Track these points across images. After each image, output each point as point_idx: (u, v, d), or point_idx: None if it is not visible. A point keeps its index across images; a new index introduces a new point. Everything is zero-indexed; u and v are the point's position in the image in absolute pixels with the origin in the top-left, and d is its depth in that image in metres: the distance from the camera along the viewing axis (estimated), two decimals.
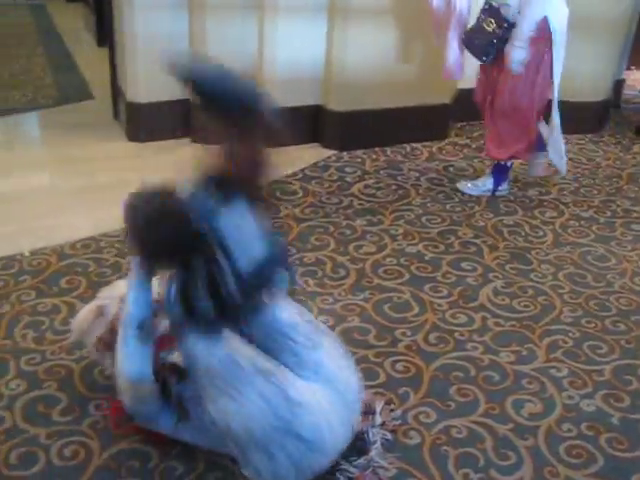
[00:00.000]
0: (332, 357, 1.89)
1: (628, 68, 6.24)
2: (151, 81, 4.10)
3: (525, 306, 2.81)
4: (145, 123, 4.23)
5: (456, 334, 2.59)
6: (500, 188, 3.79)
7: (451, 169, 4.13)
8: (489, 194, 3.78)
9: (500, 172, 3.78)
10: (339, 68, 4.12)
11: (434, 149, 4.42)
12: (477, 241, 3.30)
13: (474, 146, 4.50)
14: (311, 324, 1.93)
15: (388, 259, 3.09)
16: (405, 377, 2.35)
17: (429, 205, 3.64)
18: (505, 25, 3.34)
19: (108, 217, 3.29)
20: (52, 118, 4.79)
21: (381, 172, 4.04)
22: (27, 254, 2.98)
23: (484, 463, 2.04)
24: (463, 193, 3.78)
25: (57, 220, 3.31)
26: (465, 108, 4.71)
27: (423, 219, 3.48)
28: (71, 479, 1.92)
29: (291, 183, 3.76)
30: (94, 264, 2.93)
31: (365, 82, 4.16)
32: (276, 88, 4.11)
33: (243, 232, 1.78)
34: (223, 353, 1.76)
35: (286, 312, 1.87)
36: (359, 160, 4.17)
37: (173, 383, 1.94)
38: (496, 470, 2.02)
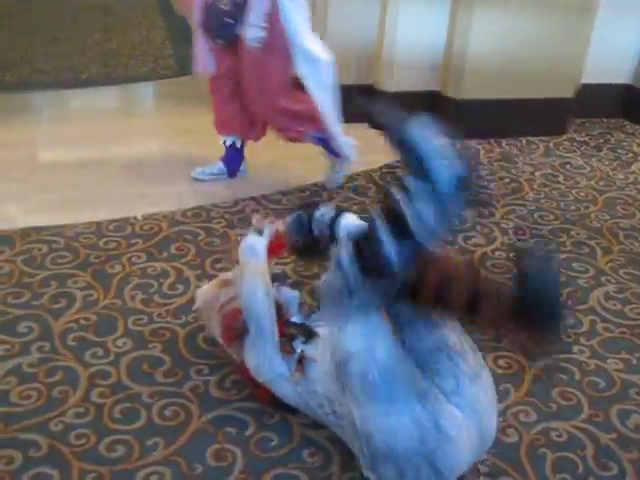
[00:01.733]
0: (486, 393, 1.81)
1: None
2: None
3: (638, 313, 2.68)
4: None
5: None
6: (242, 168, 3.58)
7: (567, 166, 3.99)
8: (225, 177, 3.55)
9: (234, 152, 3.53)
10: (459, 54, 4.04)
11: (551, 144, 4.28)
12: (591, 242, 3.18)
13: (593, 144, 4.33)
14: (475, 353, 1.83)
15: (497, 253, 3.02)
16: (507, 373, 2.30)
17: (542, 201, 3.53)
18: (239, 2, 3.08)
19: (218, 188, 3.38)
20: (169, 89, 4.91)
21: (495, 164, 3.95)
22: (140, 218, 3.07)
23: (583, 470, 1.97)
24: (195, 179, 3.52)
25: (170, 188, 3.40)
26: (587, 104, 4.58)
27: (535, 215, 3.38)
28: (170, 439, 1.97)
29: (402, 168, 3.71)
30: (203, 233, 2.98)
31: (484, 70, 4.07)
32: (394, 71, 4.11)
33: None
34: (384, 358, 1.70)
35: (454, 334, 1.79)
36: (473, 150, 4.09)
37: (298, 342, 2.00)
38: (595, 477, 1.96)
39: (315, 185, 3.45)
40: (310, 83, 3.25)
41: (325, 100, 3.29)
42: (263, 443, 1.98)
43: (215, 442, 1.97)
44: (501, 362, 2.35)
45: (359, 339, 1.72)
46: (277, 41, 3.15)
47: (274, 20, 3.10)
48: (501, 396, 2.18)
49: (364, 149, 3.89)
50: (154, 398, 2.11)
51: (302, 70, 3.22)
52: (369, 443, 1.72)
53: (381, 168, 3.70)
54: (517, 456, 1.99)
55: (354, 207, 3.26)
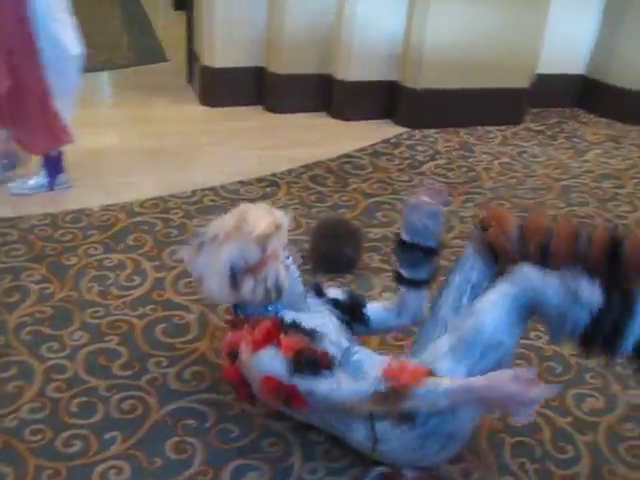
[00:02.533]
0: None
1: None
2: (227, 46, 4.11)
3: None
4: (219, 88, 4.25)
5: None
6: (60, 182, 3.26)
7: (524, 155, 4.03)
8: (46, 190, 3.22)
9: (52, 164, 3.23)
10: (417, 45, 4.05)
11: (508, 133, 4.32)
12: None
13: (549, 133, 4.38)
14: None
15: (455, 241, 3.03)
16: None
17: (500, 189, 3.56)
18: None
19: (176, 179, 3.34)
20: (126, 79, 4.85)
21: (453, 153, 3.97)
22: (96, 209, 3.03)
23: (541, 454, 1.99)
24: (12, 194, 3.20)
25: (127, 178, 3.36)
26: (543, 94, 4.63)
27: (493, 203, 3.40)
28: (128, 432, 1.94)
29: (361, 158, 3.72)
30: (161, 224, 2.95)
31: (442, 61, 4.09)
32: (353, 61, 4.10)
33: None
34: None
35: None
36: (431, 139, 4.11)
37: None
38: (553, 462, 1.98)
39: (274, 175, 3.43)
40: (53, 77, 2.95)
41: (65, 103, 3.07)
42: (223, 435, 1.96)
43: (175, 435, 1.95)
44: None
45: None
46: None
47: None
48: None
49: (322, 139, 3.91)
50: (111, 392, 2.08)
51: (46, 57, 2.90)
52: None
53: (339, 157, 3.70)
54: (477, 443, 2.00)
55: (312, 196, 3.26)
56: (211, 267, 1.87)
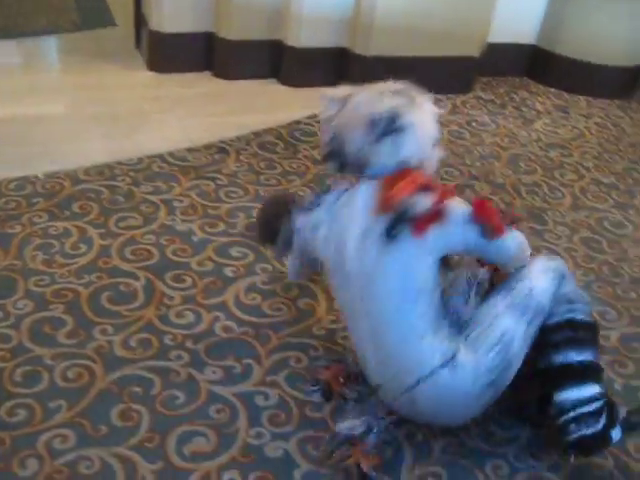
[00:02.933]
0: None
1: None
2: (177, 10, 4.02)
3: None
4: (167, 53, 4.16)
5: None
6: None
7: (473, 124, 4.06)
8: None
9: None
10: (368, 11, 4.00)
11: (458, 102, 4.33)
12: (495, 197, 3.26)
13: (498, 102, 4.41)
14: None
15: None
16: None
17: (449, 158, 3.58)
18: None
19: (123, 145, 3.29)
20: (72, 44, 4.71)
21: None
22: (41, 177, 2.96)
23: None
24: None
25: (72, 145, 3.29)
26: (493, 63, 4.65)
27: (441, 171, 3.42)
28: (73, 400, 1.93)
29: (311, 125, 3.70)
30: (107, 191, 2.90)
31: (393, 28, 4.06)
32: (302, 27, 4.05)
33: None
34: None
35: None
36: None
37: None
38: (495, 424, 2.03)
39: (223, 142, 3.40)
40: None
41: None
42: (169, 401, 1.97)
43: (120, 402, 1.95)
44: None
45: None
46: None
47: None
48: None
49: (272, 106, 3.87)
50: (56, 360, 2.06)
51: None
52: None
53: (289, 124, 3.67)
54: None
55: (262, 163, 3.24)
56: (355, 119, 1.90)
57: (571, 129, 4.15)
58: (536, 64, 4.89)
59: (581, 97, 4.64)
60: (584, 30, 4.66)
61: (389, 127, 1.84)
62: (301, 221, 2.04)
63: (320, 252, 1.96)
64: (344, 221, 1.88)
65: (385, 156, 1.87)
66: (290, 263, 2.28)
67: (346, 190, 1.95)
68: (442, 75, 4.30)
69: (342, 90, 2.02)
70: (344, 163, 1.94)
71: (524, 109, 4.37)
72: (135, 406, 1.94)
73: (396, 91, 1.97)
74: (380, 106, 1.88)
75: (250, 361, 2.13)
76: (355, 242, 1.83)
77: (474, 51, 4.40)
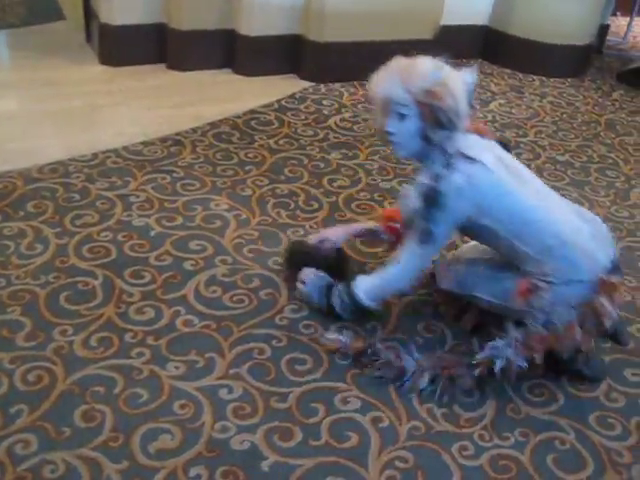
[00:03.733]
0: None
1: (613, 14, 6.19)
2: (126, 1, 3.98)
3: None
4: (119, 46, 4.10)
5: None
6: None
7: None
8: None
9: None
10: None
11: None
12: None
13: None
14: None
15: (362, 194, 3.06)
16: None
17: None
18: None
19: (77, 142, 3.24)
20: (21, 38, 4.62)
21: (359, 106, 3.97)
22: None
23: (448, 399, 2.06)
24: None
25: (24, 143, 3.23)
26: (447, 45, 4.64)
27: (393, 159, 3.42)
28: (35, 404, 1.90)
29: (267, 113, 3.68)
30: (62, 189, 2.86)
31: (346, 13, 4.06)
32: (255, 15, 4.02)
33: None
34: None
35: None
36: (337, 93, 4.10)
37: None
38: (459, 406, 2.05)
39: (178, 134, 3.36)
40: None
41: None
42: (132, 399, 1.94)
43: (83, 403, 1.92)
44: None
45: None
46: None
47: None
48: (369, 334, 2.24)
49: (227, 96, 3.85)
50: (16, 363, 2.02)
51: None
52: None
53: (245, 114, 3.65)
54: (386, 391, 2.06)
55: (218, 154, 3.21)
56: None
57: (526, 109, 4.19)
58: (490, 45, 4.93)
59: (535, 77, 4.69)
60: (535, 10, 4.71)
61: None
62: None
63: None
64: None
65: None
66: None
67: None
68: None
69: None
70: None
71: (479, 90, 4.39)
72: (98, 406, 1.91)
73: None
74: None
75: (213, 355, 2.11)
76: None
77: (427, 34, 4.41)
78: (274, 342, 2.18)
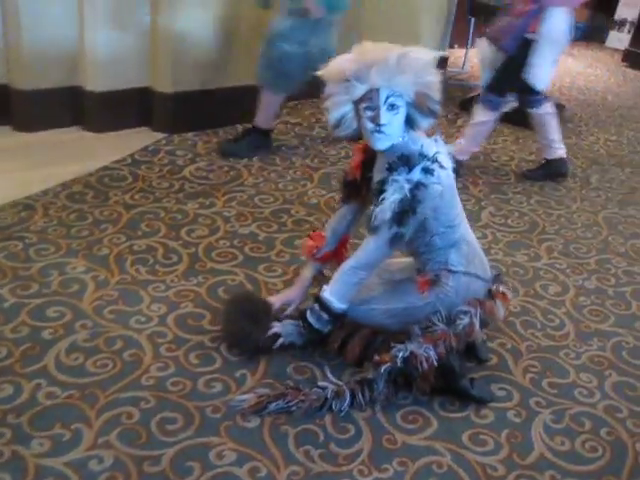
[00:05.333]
0: None
1: (451, 46, 6.56)
2: None
3: None
4: None
5: None
6: None
7: (283, 148, 4.14)
8: None
9: None
10: (167, 48, 4.00)
11: None
12: (310, 218, 3.34)
13: (305, 124, 4.54)
14: None
15: (221, 241, 3.06)
16: (241, 360, 2.34)
17: (261, 185, 3.64)
18: None
19: None
20: None
21: (213, 154, 3.98)
22: None
23: (324, 438, 2.07)
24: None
25: None
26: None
27: (256, 199, 3.47)
28: None
29: (120, 169, 3.63)
30: None
31: (193, 62, 4.09)
32: (101, 70, 3.95)
33: None
34: None
35: None
36: (190, 142, 4.10)
37: None
38: (336, 444, 2.06)
39: (28, 197, 3.25)
40: None
41: None
42: None
43: None
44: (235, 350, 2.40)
45: None
46: None
47: None
48: (239, 383, 2.24)
49: (78, 155, 3.76)
50: None
51: None
52: None
53: (98, 171, 3.58)
54: (261, 439, 2.04)
55: (72, 215, 3.13)
56: None
57: None
58: None
59: None
60: None
61: None
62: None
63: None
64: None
65: None
66: None
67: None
68: (248, 104, 4.35)
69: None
70: None
71: None
72: None
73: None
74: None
75: (79, 425, 2.03)
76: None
77: None
78: (142, 404, 2.13)
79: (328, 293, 2.26)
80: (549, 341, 2.67)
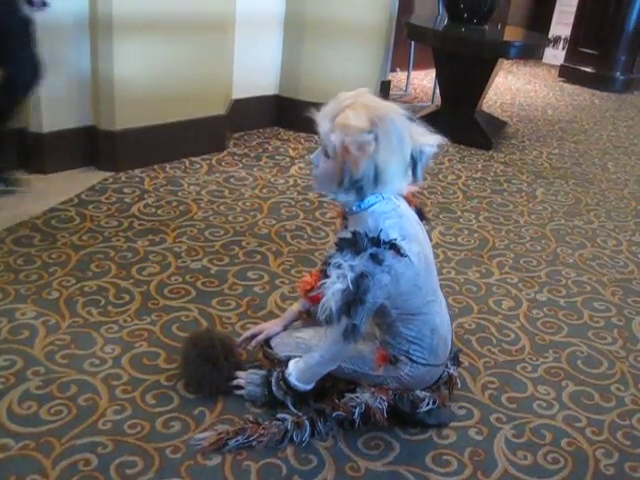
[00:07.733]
0: None
1: (393, 70, 6.68)
2: None
3: None
4: None
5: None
6: None
7: (232, 180, 4.14)
8: None
9: None
10: (107, 85, 3.97)
11: (213, 161, 4.40)
12: (262, 249, 3.33)
13: (253, 155, 4.55)
14: None
15: (173, 278, 3.03)
16: (199, 397, 2.31)
17: (211, 218, 3.62)
18: None
19: None
20: None
21: (161, 189, 3.95)
22: None
23: (287, 471, 2.05)
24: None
25: None
26: (242, 118, 4.79)
27: (206, 233, 3.45)
28: None
29: (67, 210, 3.58)
30: None
31: (136, 98, 4.06)
32: (42, 110, 3.90)
33: None
34: None
35: None
36: (137, 179, 4.06)
37: None
38: (299, 476, 2.04)
39: None
40: None
41: None
42: None
43: None
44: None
45: None
46: None
47: None
48: (197, 421, 2.20)
49: (23, 197, 3.70)
50: None
51: None
52: None
53: (44, 213, 3.53)
54: (222, 476, 2.01)
55: (19, 260, 3.07)
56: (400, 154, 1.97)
57: None
58: (282, 112, 5.11)
59: None
60: (319, 73, 4.96)
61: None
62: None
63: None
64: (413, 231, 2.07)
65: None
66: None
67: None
68: (194, 137, 4.37)
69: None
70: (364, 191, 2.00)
71: (278, 157, 4.52)
72: None
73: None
74: (418, 140, 1.99)
75: (35, 477, 1.97)
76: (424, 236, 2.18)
77: (221, 109, 4.51)
78: (100, 449, 2.08)
79: (295, 379, 2.20)
80: (505, 356, 2.70)
